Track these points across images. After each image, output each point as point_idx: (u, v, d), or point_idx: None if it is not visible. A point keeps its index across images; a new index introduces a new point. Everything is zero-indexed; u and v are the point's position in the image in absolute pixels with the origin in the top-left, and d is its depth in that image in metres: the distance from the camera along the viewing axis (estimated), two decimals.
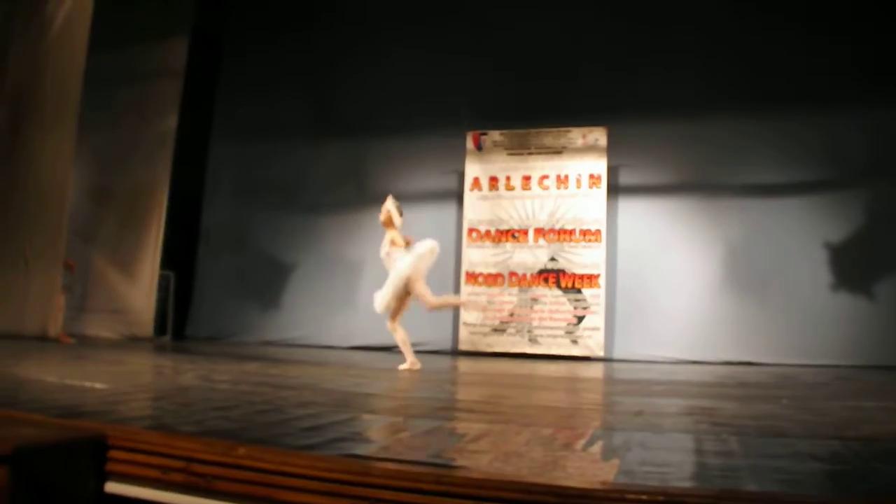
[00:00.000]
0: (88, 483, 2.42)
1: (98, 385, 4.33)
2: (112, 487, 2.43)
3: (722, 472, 2.26)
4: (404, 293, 7.65)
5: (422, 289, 7.62)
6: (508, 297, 10.97)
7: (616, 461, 2.39)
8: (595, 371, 8.50)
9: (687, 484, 2.04)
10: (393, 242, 7.69)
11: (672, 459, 2.46)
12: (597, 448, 2.68)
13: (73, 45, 10.12)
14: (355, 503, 1.97)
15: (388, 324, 7.72)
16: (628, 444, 2.78)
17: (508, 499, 1.81)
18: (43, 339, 9.48)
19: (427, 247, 7.71)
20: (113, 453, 2.46)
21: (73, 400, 3.58)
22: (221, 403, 3.64)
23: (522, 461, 2.32)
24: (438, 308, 8.16)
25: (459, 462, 2.23)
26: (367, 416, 3.34)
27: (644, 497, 1.76)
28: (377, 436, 2.77)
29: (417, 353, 10.63)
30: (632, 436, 3.02)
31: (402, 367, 7.44)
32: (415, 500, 1.91)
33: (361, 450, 2.41)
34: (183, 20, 12.41)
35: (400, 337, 7.70)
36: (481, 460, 2.30)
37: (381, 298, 7.59)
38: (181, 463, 2.29)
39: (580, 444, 2.77)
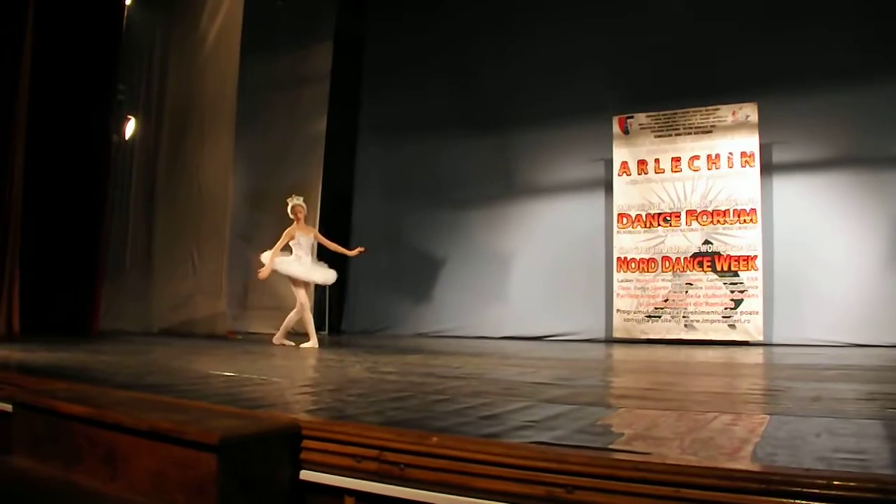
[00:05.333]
0: (285, 471, 2.54)
1: (275, 378, 4.51)
2: (307, 475, 2.54)
3: None
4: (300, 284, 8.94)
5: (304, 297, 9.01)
6: (662, 283, 10.83)
7: (807, 448, 2.34)
8: (756, 356, 8.27)
9: (891, 471, 1.99)
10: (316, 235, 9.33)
11: (867, 446, 2.38)
12: (782, 434, 2.62)
13: (227, 57, 10.57)
14: (551, 491, 2.00)
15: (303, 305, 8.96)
16: (814, 430, 2.71)
17: (710, 485, 1.80)
18: (211, 336, 9.91)
19: (329, 277, 9.30)
20: (307, 443, 2.57)
21: (256, 393, 3.75)
22: (396, 394, 3.73)
23: (711, 447, 2.31)
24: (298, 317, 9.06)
25: (645, 449, 2.23)
26: (540, 405, 3.36)
27: (853, 484, 1.72)
28: (559, 424, 2.79)
29: (571, 342, 10.71)
30: (816, 422, 2.95)
31: (305, 345, 8.59)
32: (612, 486, 1.92)
33: (546, 437, 2.43)
34: (326, 26, 12.75)
35: (307, 318, 8.95)
36: (669, 447, 2.30)
37: (272, 262, 8.79)
38: (374, 452, 2.37)
39: (763, 429, 2.72)
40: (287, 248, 8.88)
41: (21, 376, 4.13)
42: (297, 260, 8.88)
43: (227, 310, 10.59)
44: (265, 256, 8.85)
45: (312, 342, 8.72)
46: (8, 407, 3.28)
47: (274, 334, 9.00)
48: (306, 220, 9.33)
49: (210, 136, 10.62)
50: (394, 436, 2.41)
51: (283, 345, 8.77)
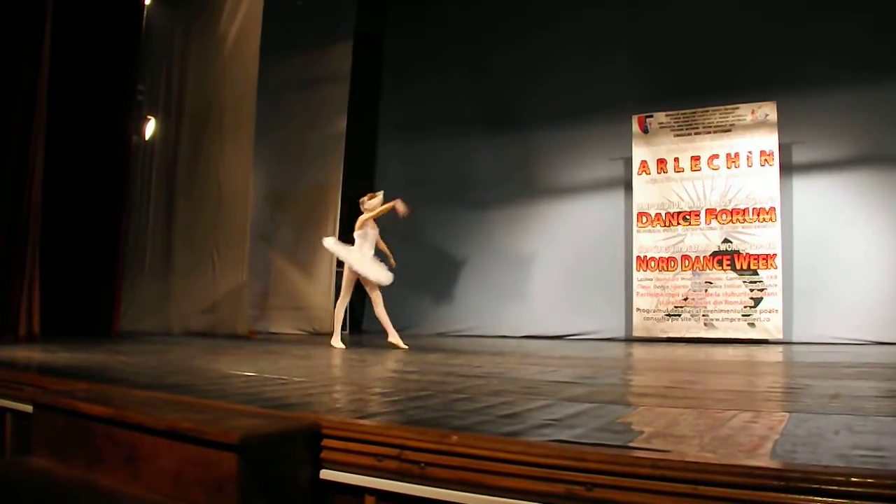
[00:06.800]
0: (305, 470, 2.55)
1: (296, 378, 4.53)
2: (327, 474, 2.55)
3: None
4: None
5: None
6: (682, 282, 10.80)
7: (826, 445, 2.34)
8: (775, 354, 8.26)
9: None
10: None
11: (886, 443, 2.38)
12: (802, 431, 2.62)
13: (247, 57, 10.57)
14: (570, 489, 2.00)
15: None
16: (833, 427, 2.70)
17: (730, 483, 1.80)
18: (232, 336, 9.94)
19: (382, 278, 8.75)
20: (327, 442, 2.57)
21: (277, 392, 3.76)
22: (417, 393, 3.74)
23: (730, 445, 2.30)
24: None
25: (664, 447, 2.23)
26: (561, 403, 3.36)
27: (871, 481, 1.71)
28: (578, 422, 2.79)
29: (591, 340, 10.70)
30: (835, 419, 2.94)
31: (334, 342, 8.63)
32: (631, 484, 1.93)
33: (566, 436, 2.43)
34: (345, 25, 12.76)
35: (339, 315, 8.95)
36: (689, 445, 2.30)
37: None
38: (395, 451, 2.38)
39: (783, 427, 2.72)
40: (351, 241, 8.81)
41: (41, 377, 4.16)
42: (359, 251, 8.74)
43: (247, 310, 10.61)
44: (329, 241, 8.92)
45: (335, 340, 8.69)
46: (28, 408, 3.31)
47: (293, 334, 8.97)
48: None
49: (230, 136, 10.64)
50: (414, 434, 2.41)
51: (398, 346, 8.58)
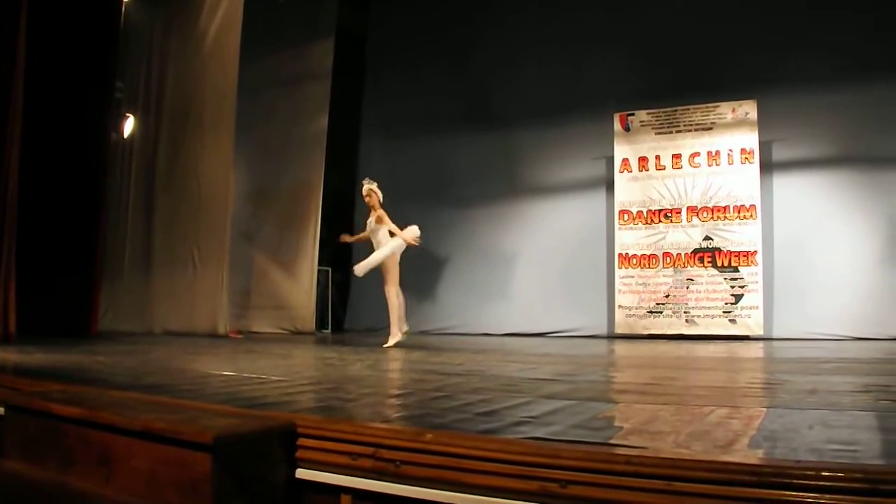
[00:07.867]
0: (281, 470, 2.53)
1: (275, 377, 4.51)
2: (303, 474, 2.53)
3: None
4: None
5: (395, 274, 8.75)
6: (663, 279, 10.84)
7: (800, 440, 2.34)
8: (756, 350, 8.31)
9: (880, 462, 2.00)
10: (379, 219, 8.78)
11: (859, 438, 2.40)
12: (777, 426, 2.63)
13: (227, 54, 10.52)
14: (546, 486, 2.00)
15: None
16: (808, 422, 2.71)
17: (703, 478, 1.80)
18: (213, 335, 9.89)
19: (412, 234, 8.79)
20: (303, 441, 2.55)
21: (255, 392, 3.73)
22: (395, 391, 3.74)
23: (706, 441, 2.31)
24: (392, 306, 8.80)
25: (641, 443, 2.23)
26: (540, 401, 3.35)
27: (841, 475, 1.72)
28: (556, 419, 2.78)
29: (574, 338, 10.72)
30: (810, 414, 2.96)
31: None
32: (606, 481, 1.92)
33: (543, 433, 2.42)
34: (327, 22, 12.72)
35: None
36: (665, 441, 2.30)
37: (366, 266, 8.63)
38: (370, 449, 2.36)
39: (759, 422, 2.73)
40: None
41: (14, 378, 4.11)
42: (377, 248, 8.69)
43: (228, 309, 10.55)
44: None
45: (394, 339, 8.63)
46: (0, 410, 3.26)
47: (275, 333, 8.90)
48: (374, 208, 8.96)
49: (210, 134, 10.57)
50: (389, 433, 2.41)
51: (387, 343, 8.59)
